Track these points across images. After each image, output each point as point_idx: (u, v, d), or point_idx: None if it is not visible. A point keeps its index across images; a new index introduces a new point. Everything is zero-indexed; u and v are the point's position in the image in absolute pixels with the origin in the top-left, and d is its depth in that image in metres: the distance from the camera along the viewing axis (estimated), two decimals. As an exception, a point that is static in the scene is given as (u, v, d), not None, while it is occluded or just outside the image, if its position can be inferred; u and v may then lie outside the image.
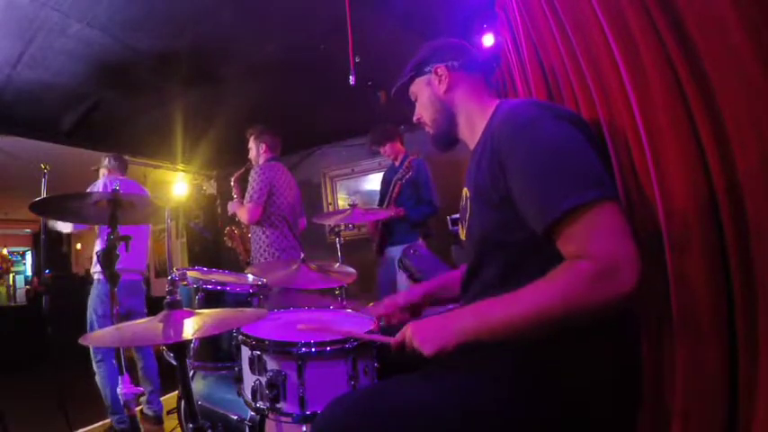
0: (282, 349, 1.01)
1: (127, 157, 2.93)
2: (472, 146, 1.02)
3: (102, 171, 2.76)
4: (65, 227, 2.58)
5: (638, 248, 0.67)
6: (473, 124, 1.00)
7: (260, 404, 1.01)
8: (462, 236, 1.05)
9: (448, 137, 1.06)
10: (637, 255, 0.66)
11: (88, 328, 2.44)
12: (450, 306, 1.14)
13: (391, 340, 0.89)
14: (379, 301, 1.22)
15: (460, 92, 1.02)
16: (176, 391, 2.33)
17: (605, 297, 0.66)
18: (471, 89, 1.02)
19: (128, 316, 2.35)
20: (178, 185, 4.69)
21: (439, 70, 1.02)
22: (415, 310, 1.18)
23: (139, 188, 2.87)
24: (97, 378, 2.38)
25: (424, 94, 1.06)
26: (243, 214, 2.49)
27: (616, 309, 0.68)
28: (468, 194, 0.99)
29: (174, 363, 0.91)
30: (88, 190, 2.41)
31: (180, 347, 0.90)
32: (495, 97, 1.02)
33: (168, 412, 2.55)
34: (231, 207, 2.65)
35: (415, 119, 1.11)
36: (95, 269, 2.50)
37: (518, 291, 0.75)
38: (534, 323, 0.72)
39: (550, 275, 0.72)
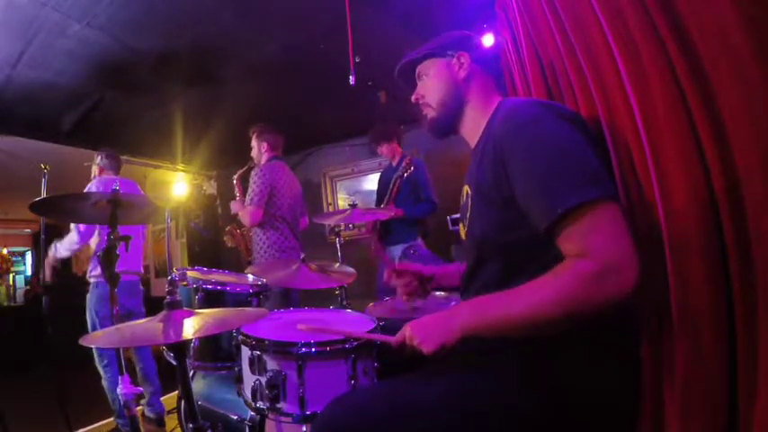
0: (282, 349, 1.01)
1: (124, 157, 2.90)
2: (473, 143, 1.02)
3: (94, 169, 2.68)
4: (63, 249, 2.49)
5: (636, 248, 0.67)
6: (476, 120, 1.01)
7: (260, 404, 1.02)
8: (463, 234, 1.04)
9: (449, 124, 1.05)
10: (636, 254, 0.67)
11: (90, 330, 2.42)
12: (453, 300, 1.14)
13: (392, 339, 0.89)
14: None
15: (475, 85, 1.02)
16: (176, 391, 2.33)
17: (605, 296, 0.67)
18: (484, 86, 1.02)
19: (128, 317, 2.34)
20: (178, 185, 4.68)
21: (462, 58, 1.02)
22: (423, 281, 1.20)
23: (135, 187, 2.82)
24: (104, 382, 2.38)
25: (440, 76, 1.04)
26: (244, 217, 2.49)
27: (615, 308, 0.68)
28: (469, 192, 0.99)
29: (174, 363, 0.91)
30: (85, 191, 2.39)
31: (180, 347, 0.90)
32: (500, 97, 1.03)
33: (168, 412, 2.55)
34: (234, 206, 2.65)
35: (414, 97, 1.09)
36: (95, 272, 2.45)
37: (518, 288, 0.75)
38: (533, 321, 0.73)
39: (551, 274, 0.72)
